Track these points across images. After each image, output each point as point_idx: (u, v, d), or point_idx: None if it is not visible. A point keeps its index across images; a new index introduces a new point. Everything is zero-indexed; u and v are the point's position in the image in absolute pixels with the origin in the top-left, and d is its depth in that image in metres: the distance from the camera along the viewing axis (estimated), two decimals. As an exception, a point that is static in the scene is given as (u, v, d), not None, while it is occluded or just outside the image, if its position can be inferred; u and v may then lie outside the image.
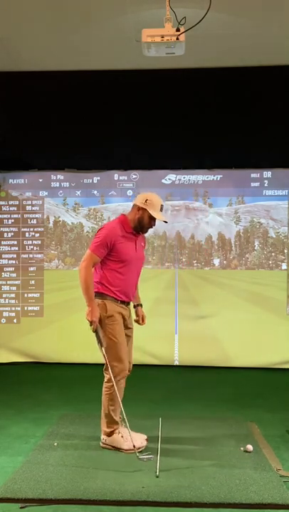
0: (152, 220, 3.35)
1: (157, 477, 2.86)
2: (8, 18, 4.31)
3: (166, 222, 3.45)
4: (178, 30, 3.34)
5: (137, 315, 3.57)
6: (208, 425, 3.78)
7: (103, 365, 3.35)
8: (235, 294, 6.00)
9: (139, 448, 3.20)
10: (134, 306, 3.59)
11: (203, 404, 4.43)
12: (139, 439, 3.28)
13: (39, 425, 3.83)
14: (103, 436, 3.33)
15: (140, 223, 3.34)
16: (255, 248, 6.04)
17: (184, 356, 5.85)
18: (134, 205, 3.38)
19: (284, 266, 5.97)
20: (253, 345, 5.81)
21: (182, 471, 2.96)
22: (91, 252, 3.25)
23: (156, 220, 3.37)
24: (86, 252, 3.29)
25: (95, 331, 3.26)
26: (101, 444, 3.33)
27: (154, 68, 5.05)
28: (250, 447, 3.29)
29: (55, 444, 3.39)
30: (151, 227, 3.40)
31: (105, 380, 3.33)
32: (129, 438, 3.21)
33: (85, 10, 4.20)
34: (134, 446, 3.14)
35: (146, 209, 3.30)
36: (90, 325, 3.23)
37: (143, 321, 3.58)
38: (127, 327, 3.44)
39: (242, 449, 3.32)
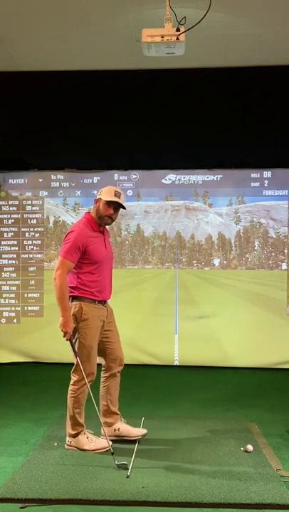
0: (108, 207, 3.29)
1: (127, 477, 2.86)
2: (8, 18, 4.31)
3: (124, 208, 3.37)
4: (178, 30, 3.34)
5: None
6: (208, 425, 3.78)
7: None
8: (235, 294, 6.00)
9: (104, 449, 3.23)
10: None
11: (203, 405, 4.43)
12: (104, 443, 3.27)
13: (39, 425, 3.83)
14: (68, 438, 3.32)
15: (98, 213, 3.32)
16: (255, 248, 6.04)
17: (184, 356, 5.85)
18: (94, 201, 3.38)
19: (284, 266, 5.97)
20: (253, 345, 5.82)
21: (182, 471, 2.96)
22: (63, 258, 3.17)
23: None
24: (58, 260, 3.20)
25: (69, 340, 3.24)
26: (66, 446, 3.32)
27: (154, 68, 5.06)
28: (250, 447, 3.29)
29: (55, 444, 3.40)
30: (111, 216, 3.32)
31: (71, 382, 3.32)
32: (94, 439, 3.27)
33: (85, 10, 4.19)
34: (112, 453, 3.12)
35: (100, 198, 3.31)
36: (64, 335, 3.21)
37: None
38: (106, 329, 3.39)
39: (242, 449, 3.32)
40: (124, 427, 3.44)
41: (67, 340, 3.24)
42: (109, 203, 3.29)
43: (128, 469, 2.97)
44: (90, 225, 3.32)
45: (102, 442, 3.29)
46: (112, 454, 3.10)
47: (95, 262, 3.27)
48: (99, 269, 3.29)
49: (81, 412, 3.30)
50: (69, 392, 3.32)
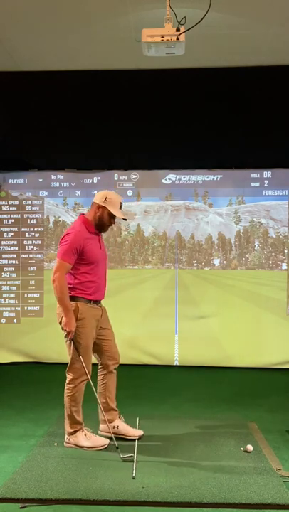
0: (112, 218, 3.36)
1: (133, 478, 2.86)
2: (8, 18, 4.31)
3: (125, 219, 3.48)
4: (178, 30, 3.35)
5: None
6: (208, 425, 3.79)
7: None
8: (235, 294, 5.99)
9: (101, 446, 3.28)
10: None
11: (203, 405, 4.43)
12: (102, 440, 3.33)
13: (39, 425, 3.83)
14: (67, 436, 3.36)
15: (100, 221, 3.35)
16: (255, 248, 6.04)
17: (184, 356, 5.85)
18: (94, 204, 3.38)
19: (284, 266, 5.97)
20: (253, 345, 5.81)
21: (182, 471, 2.96)
22: (62, 260, 3.21)
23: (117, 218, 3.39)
24: (56, 262, 3.24)
25: (71, 340, 3.27)
26: (65, 444, 3.35)
27: (154, 68, 5.06)
28: (250, 447, 3.29)
29: (55, 444, 3.40)
30: (111, 225, 3.41)
31: (67, 381, 3.35)
32: (92, 436, 3.32)
33: (84, 10, 4.19)
34: (117, 447, 3.15)
35: (105, 207, 3.31)
36: (66, 336, 3.26)
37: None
38: (101, 327, 3.43)
39: (242, 449, 3.32)
40: (122, 426, 3.49)
41: (70, 339, 3.27)
42: (114, 216, 3.35)
43: (133, 467, 2.99)
44: (85, 226, 3.34)
45: (101, 440, 3.33)
46: (117, 448, 3.13)
47: (92, 263, 3.30)
48: (94, 269, 3.33)
49: (78, 410, 3.33)
50: (65, 391, 3.35)
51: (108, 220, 3.35)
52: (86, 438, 3.32)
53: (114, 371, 3.52)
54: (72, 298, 3.27)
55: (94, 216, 3.35)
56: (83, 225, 3.34)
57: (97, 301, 3.40)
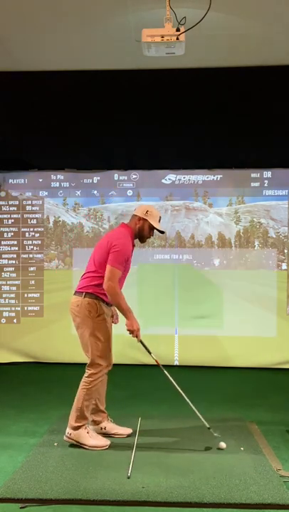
0: (152, 230, 3.49)
1: (128, 478, 2.87)
2: (8, 18, 4.31)
3: (163, 233, 3.59)
4: (178, 30, 3.34)
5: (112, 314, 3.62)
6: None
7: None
8: (235, 294, 6.00)
9: (103, 447, 3.29)
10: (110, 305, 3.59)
11: (203, 405, 4.42)
12: (104, 441, 3.35)
13: (39, 425, 3.83)
14: (69, 430, 3.34)
15: (140, 233, 3.48)
16: (255, 248, 6.04)
17: (184, 356, 5.85)
18: (135, 216, 3.50)
19: (284, 266, 5.97)
20: (253, 345, 5.82)
21: (182, 471, 2.96)
22: (115, 268, 3.27)
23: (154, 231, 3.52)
24: (109, 270, 3.27)
25: (140, 341, 3.43)
26: (65, 438, 3.34)
27: (154, 68, 5.05)
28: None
29: (55, 444, 3.40)
30: (150, 237, 3.56)
31: (86, 375, 3.37)
32: (95, 435, 3.33)
33: (85, 10, 4.19)
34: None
35: (146, 219, 3.44)
36: (132, 334, 3.37)
37: (117, 319, 3.66)
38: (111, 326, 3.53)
39: (242, 448, 3.32)
40: (110, 426, 3.55)
41: (138, 340, 3.41)
42: (154, 229, 3.47)
43: (129, 467, 2.99)
44: (131, 237, 3.46)
45: (102, 440, 3.34)
46: (209, 428, 3.29)
47: (125, 270, 3.39)
48: (123, 274, 3.39)
49: (89, 406, 3.35)
50: (82, 384, 3.36)
51: (148, 232, 3.48)
52: (88, 436, 3.32)
53: (106, 375, 3.56)
54: (95, 296, 3.34)
55: (134, 227, 3.47)
56: (130, 235, 3.44)
57: (110, 305, 3.47)
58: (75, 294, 3.43)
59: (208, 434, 3.50)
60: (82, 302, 3.34)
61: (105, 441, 3.34)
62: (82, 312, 3.33)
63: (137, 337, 3.39)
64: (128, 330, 3.36)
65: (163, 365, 3.54)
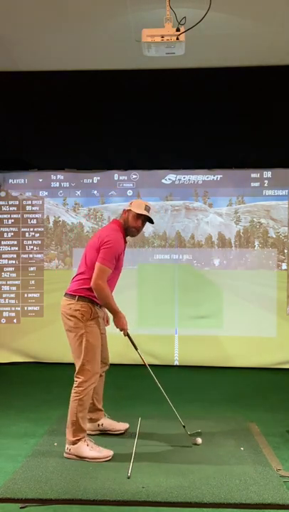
0: (138, 219, 3.38)
1: (128, 478, 2.87)
2: (8, 18, 4.31)
3: (152, 222, 3.45)
4: (178, 30, 3.35)
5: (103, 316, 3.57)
6: (208, 425, 3.78)
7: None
8: (235, 294, 6.00)
9: (105, 458, 3.17)
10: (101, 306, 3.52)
11: (203, 405, 4.43)
12: (105, 452, 3.21)
13: (39, 425, 3.83)
14: (68, 446, 3.21)
15: (126, 224, 3.39)
16: (255, 248, 6.04)
17: (184, 356, 5.85)
18: (122, 211, 3.45)
19: (284, 266, 5.97)
20: (253, 345, 5.81)
21: (182, 471, 2.96)
22: (104, 266, 3.19)
23: (147, 225, 3.44)
24: (98, 267, 3.18)
25: (127, 335, 3.39)
26: (65, 455, 3.19)
27: (154, 68, 5.06)
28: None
29: (55, 444, 3.40)
30: (138, 228, 3.41)
31: (76, 384, 3.24)
32: (95, 447, 3.20)
33: (85, 10, 4.20)
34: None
35: (130, 209, 3.38)
36: (124, 332, 3.36)
37: (108, 322, 3.61)
38: (103, 328, 3.51)
39: (242, 448, 3.32)
40: (107, 422, 3.57)
41: (126, 335, 3.37)
42: (139, 216, 3.37)
43: (129, 467, 2.99)
44: (122, 234, 3.39)
45: (104, 451, 3.19)
46: (184, 426, 3.30)
47: (116, 268, 3.33)
48: (114, 274, 3.34)
49: (84, 417, 3.23)
50: (73, 395, 3.24)
51: (134, 222, 3.37)
52: (88, 448, 3.18)
53: (103, 374, 3.58)
54: (85, 298, 3.26)
55: (123, 222, 3.41)
56: (121, 232, 3.37)
57: (101, 306, 3.42)
58: (66, 295, 3.34)
59: (208, 434, 3.51)
60: (74, 306, 3.25)
61: (107, 452, 3.19)
62: (75, 316, 3.24)
63: (123, 331, 3.35)
64: (119, 328, 3.33)
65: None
